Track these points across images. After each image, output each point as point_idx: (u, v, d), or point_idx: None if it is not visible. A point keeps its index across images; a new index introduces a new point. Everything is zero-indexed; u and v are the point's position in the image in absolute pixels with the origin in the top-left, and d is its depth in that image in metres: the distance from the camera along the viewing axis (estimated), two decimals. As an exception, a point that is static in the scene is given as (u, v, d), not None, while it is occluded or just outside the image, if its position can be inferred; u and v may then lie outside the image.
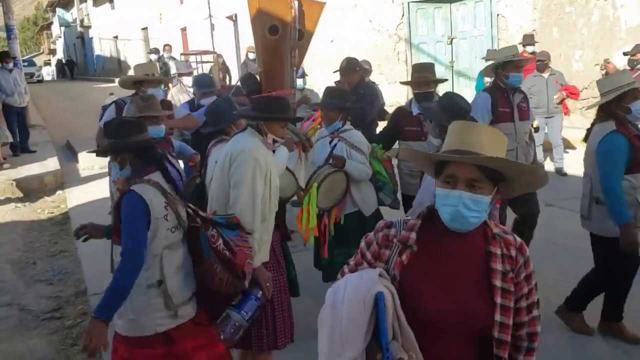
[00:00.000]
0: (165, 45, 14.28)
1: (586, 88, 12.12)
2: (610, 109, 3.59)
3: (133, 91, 5.15)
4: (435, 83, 4.49)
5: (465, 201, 1.66)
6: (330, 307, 1.71)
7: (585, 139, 3.88)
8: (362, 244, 1.89)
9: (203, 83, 5.90)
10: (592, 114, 13.26)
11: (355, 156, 4.11)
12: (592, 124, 3.82)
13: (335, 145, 4.14)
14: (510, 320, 1.72)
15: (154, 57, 13.47)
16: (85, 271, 5.51)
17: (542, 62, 8.10)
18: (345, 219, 4.15)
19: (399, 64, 12.25)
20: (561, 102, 8.08)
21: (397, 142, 4.63)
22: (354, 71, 5.58)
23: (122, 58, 32.12)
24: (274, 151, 3.31)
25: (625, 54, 7.68)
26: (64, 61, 41.91)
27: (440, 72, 12.32)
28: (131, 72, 5.83)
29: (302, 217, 3.97)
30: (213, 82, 6.12)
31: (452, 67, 12.02)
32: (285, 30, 5.23)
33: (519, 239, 1.81)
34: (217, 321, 2.83)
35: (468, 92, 10.26)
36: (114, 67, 32.75)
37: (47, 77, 40.07)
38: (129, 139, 2.68)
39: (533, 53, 10.00)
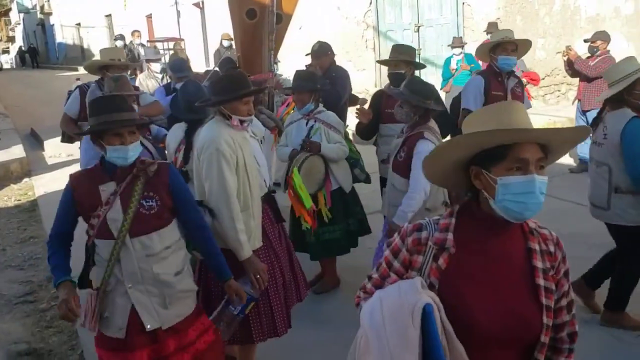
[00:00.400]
0: (134, 32, 14.02)
1: (548, 75, 12.48)
2: (623, 97, 3.53)
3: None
4: (407, 65, 4.45)
5: (540, 186, 1.49)
6: (370, 330, 1.53)
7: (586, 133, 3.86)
8: (387, 253, 1.69)
9: (178, 67, 5.91)
10: (553, 100, 13.58)
11: (332, 136, 4.23)
12: (599, 115, 3.75)
13: (312, 126, 4.22)
14: (551, 321, 1.59)
15: (120, 43, 13.21)
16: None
17: None
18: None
19: (367, 51, 12.35)
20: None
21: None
22: (325, 54, 5.66)
23: (85, 46, 31.41)
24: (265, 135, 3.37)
25: (585, 40, 7.91)
26: (24, 49, 40.73)
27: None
28: (97, 58, 5.72)
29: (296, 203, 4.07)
30: (189, 66, 6.13)
31: (419, 54, 12.17)
32: (263, 13, 5.24)
33: (554, 233, 1.67)
34: (210, 317, 2.81)
35: (434, 79, 10.42)
36: (77, 55, 32.00)
37: (6, 66, 38.96)
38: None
39: (497, 41, 10.27)
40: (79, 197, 2.45)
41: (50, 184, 8.14)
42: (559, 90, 12.66)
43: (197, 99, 3.45)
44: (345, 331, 3.80)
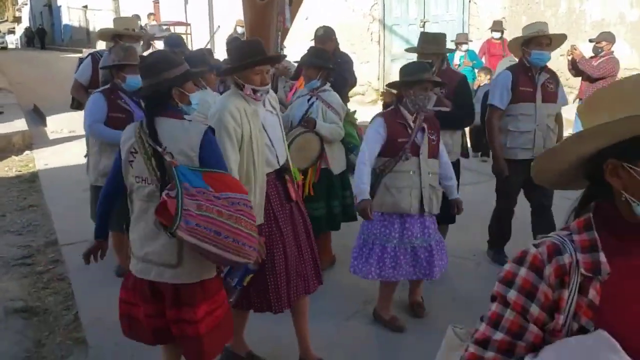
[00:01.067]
0: (149, 14, 14.08)
1: (550, 77, 12.60)
2: None
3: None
4: (436, 56, 4.27)
5: None
6: None
7: None
8: (513, 295, 1.19)
9: (173, 42, 5.94)
10: None
11: (329, 115, 4.23)
12: None
13: (313, 103, 4.24)
14: None
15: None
16: (55, 223, 5.56)
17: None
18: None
19: (372, 44, 12.42)
20: None
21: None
22: (330, 39, 5.72)
23: (91, 28, 31.39)
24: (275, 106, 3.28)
25: (590, 40, 7.97)
26: (33, 29, 40.61)
27: (412, 55, 12.57)
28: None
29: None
30: (184, 42, 6.14)
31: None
32: (274, -6, 5.24)
33: None
34: None
35: (438, 74, 10.51)
36: (83, 37, 32.01)
37: (10, 46, 38.88)
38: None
39: (500, 39, 10.34)
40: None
41: (51, 157, 8.21)
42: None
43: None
44: (339, 303, 3.93)
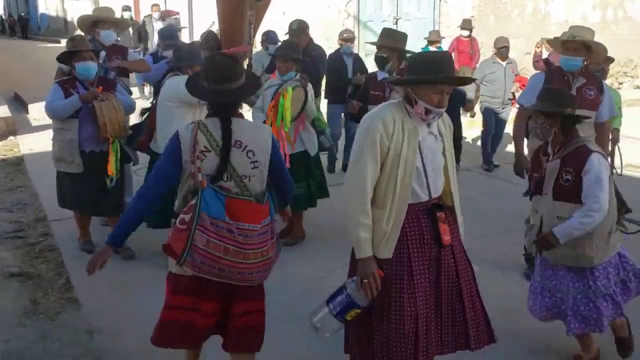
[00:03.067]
0: (153, 5, 13.33)
1: (517, 74, 13.16)
2: None
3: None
4: (390, 50, 4.68)
5: None
6: None
7: None
8: None
9: (167, 35, 6.11)
10: None
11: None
12: None
13: (280, 85, 4.69)
14: None
15: (127, 14, 12.99)
16: (43, 202, 5.91)
17: (505, 48, 7.75)
18: (292, 157, 4.69)
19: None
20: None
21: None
22: (304, 33, 6.15)
23: (68, 18, 31.26)
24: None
25: (555, 38, 8.39)
26: (4, 17, 39.94)
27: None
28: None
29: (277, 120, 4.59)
30: (177, 35, 6.30)
31: (396, 46, 12.78)
32: (247, -13, 5.50)
33: None
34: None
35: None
36: (60, 27, 31.83)
37: (-16, 34, 38.36)
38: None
39: (468, 37, 10.86)
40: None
41: (35, 143, 8.48)
42: (525, 89, 13.35)
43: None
44: (308, 272, 4.39)
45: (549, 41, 4.52)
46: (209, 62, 2.75)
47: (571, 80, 4.14)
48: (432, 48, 10.06)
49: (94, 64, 4.46)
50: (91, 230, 4.90)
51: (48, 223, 5.39)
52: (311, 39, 6.48)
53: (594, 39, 4.15)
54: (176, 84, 4.20)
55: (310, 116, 4.85)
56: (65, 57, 4.47)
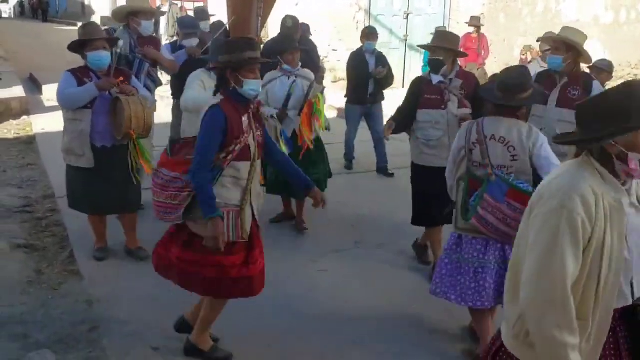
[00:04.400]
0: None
1: (525, 73, 13.24)
2: None
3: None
4: (446, 52, 4.27)
5: None
6: None
7: None
8: None
9: (187, 24, 6.05)
10: None
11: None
12: None
13: (294, 81, 4.89)
14: None
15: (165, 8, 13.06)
16: (52, 179, 6.14)
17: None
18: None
19: (357, 33, 12.92)
20: None
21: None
22: (298, 29, 6.27)
23: (86, 2, 31.60)
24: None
25: (538, 40, 8.42)
26: (33, 0, 40.13)
27: (395, 44, 13.18)
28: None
29: (312, 122, 4.83)
30: (197, 24, 6.18)
31: (406, 41, 12.86)
32: (254, -22, 5.62)
33: None
34: None
35: (419, 66, 11.15)
36: (77, 10, 32.18)
37: (4, 15, 38.79)
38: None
39: (477, 34, 10.95)
40: (230, 125, 2.92)
41: (47, 123, 8.72)
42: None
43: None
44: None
45: (541, 39, 4.65)
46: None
47: (557, 79, 4.20)
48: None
49: (106, 53, 4.15)
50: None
51: (55, 200, 5.61)
52: (303, 35, 6.67)
53: (584, 44, 4.14)
54: (197, 97, 4.36)
55: None
56: (77, 46, 4.15)
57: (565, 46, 4.11)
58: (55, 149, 7.14)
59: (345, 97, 7.16)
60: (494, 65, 11.11)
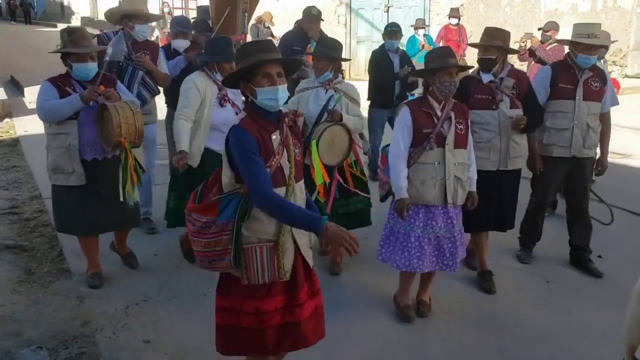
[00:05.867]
0: (164, 2, 13.25)
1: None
2: None
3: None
4: (498, 51, 3.98)
5: None
6: None
7: None
8: None
9: (179, 22, 5.66)
10: None
11: (352, 108, 4.14)
12: None
13: (332, 96, 4.12)
14: None
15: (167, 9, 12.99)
16: (38, 181, 6.15)
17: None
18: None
19: (339, 27, 13.09)
20: None
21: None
22: (320, 19, 5.99)
23: (65, 2, 31.31)
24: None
25: (539, 29, 8.64)
26: (11, 2, 39.30)
27: (376, 38, 13.26)
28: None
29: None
30: (189, 24, 5.72)
31: (388, 33, 12.99)
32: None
33: None
34: None
35: (399, 57, 11.20)
36: (57, 11, 31.87)
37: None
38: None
39: (456, 25, 11.06)
40: (259, 147, 2.40)
41: (30, 125, 8.69)
42: (514, 77, 13.59)
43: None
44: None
45: (567, 41, 4.36)
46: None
47: (577, 73, 4.23)
48: (418, 34, 10.28)
49: (94, 64, 3.82)
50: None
51: (42, 200, 5.63)
52: (321, 30, 6.24)
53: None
54: (179, 131, 4.01)
55: (358, 132, 4.26)
56: (61, 54, 3.80)
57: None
58: (40, 150, 7.11)
59: (367, 99, 6.49)
60: (474, 56, 11.25)
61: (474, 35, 12.35)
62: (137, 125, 3.76)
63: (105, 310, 3.72)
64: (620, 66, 14.30)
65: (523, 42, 9.90)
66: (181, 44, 5.29)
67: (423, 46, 10.10)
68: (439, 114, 3.46)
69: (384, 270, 3.99)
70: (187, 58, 5.04)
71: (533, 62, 8.25)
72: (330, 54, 4.14)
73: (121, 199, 3.84)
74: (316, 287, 2.67)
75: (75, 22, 27.43)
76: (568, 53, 4.34)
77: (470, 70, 4.20)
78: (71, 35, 3.75)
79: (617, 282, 4.19)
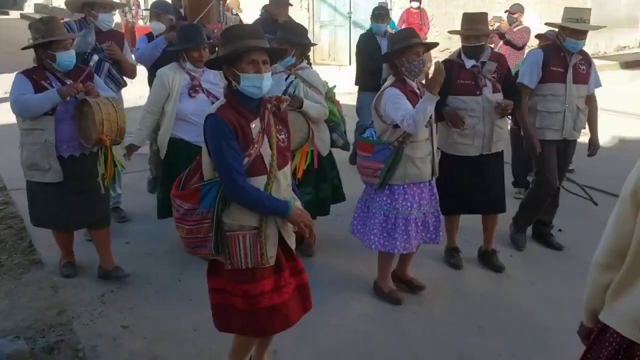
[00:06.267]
0: None
1: (466, 45, 13.61)
2: None
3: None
4: (484, 37, 3.97)
5: None
6: None
7: None
8: None
9: (158, 5, 5.49)
10: None
11: (312, 96, 4.07)
12: None
13: (291, 82, 4.09)
14: None
15: None
16: (2, 172, 6.04)
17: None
18: None
19: (302, 11, 13.06)
20: None
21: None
22: (288, 5, 5.95)
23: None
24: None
25: (505, 11, 8.80)
26: None
27: (339, 22, 13.32)
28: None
29: None
30: (169, 7, 5.63)
31: (350, 17, 13.03)
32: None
33: None
34: None
35: (362, 41, 11.26)
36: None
37: None
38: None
39: (418, 9, 11.18)
40: (236, 135, 2.40)
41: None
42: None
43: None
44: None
45: (557, 25, 4.36)
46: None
47: (567, 57, 4.25)
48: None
49: (73, 52, 3.72)
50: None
51: (8, 192, 5.55)
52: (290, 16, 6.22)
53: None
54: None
55: (321, 120, 4.19)
56: (40, 45, 3.58)
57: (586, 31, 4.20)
58: (3, 140, 7.07)
59: (355, 84, 6.54)
60: (436, 39, 11.39)
61: (435, 18, 12.52)
62: (119, 123, 3.66)
63: (81, 299, 3.74)
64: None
65: (491, 25, 10.08)
66: (157, 26, 5.23)
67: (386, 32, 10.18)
68: (419, 92, 3.49)
69: (356, 250, 4.15)
70: (167, 38, 4.96)
71: (500, 45, 8.44)
72: (291, 39, 4.08)
73: (102, 191, 3.81)
74: (299, 267, 2.72)
75: (29, 9, 26.54)
76: (557, 36, 4.36)
77: (449, 54, 4.19)
78: (48, 24, 3.59)
79: (576, 254, 4.40)
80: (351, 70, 12.34)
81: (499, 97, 3.97)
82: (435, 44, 3.77)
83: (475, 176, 3.99)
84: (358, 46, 6.43)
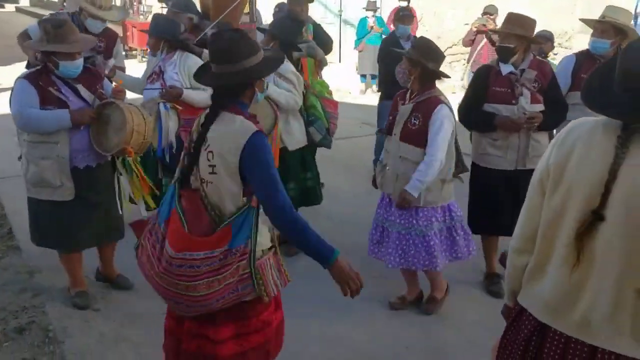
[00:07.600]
0: None
1: (456, 44, 13.70)
2: None
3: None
4: (519, 40, 3.64)
5: None
6: None
7: None
8: None
9: (179, 3, 5.35)
10: (459, 67, 14.52)
11: (281, 85, 4.03)
12: None
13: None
14: None
15: None
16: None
17: None
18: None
19: (292, 9, 13.18)
20: None
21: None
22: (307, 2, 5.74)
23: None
24: None
25: (483, 13, 8.90)
26: None
27: (330, 19, 13.41)
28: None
29: None
30: (192, 6, 5.54)
31: (341, 15, 13.15)
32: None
33: None
34: None
35: (353, 40, 11.40)
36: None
37: None
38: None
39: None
40: None
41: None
42: (464, 59, 13.94)
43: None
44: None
45: (583, 20, 4.25)
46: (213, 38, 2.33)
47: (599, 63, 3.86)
48: (368, 16, 10.47)
49: (81, 60, 3.33)
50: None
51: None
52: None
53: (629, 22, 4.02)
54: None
55: (291, 108, 4.12)
56: (45, 50, 3.26)
57: (613, 29, 3.88)
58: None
59: (378, 91, 6.12)
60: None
61: (424, 17, 12.64)
62: (146, 137, 3.35)
63: (56, 284, 3.85)
64: (566, 48, 14.81)
65: (476, 27, 10.18)
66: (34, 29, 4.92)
67: (372, 28, 10.31)
68: (404, 102, 3.47)
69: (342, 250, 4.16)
70: (185, 39, 4.75)
71: (480, 45, 8.53)
72: (273, 32, 4.20)
73: (120, 212, 3.55)
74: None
75: (24, 2, 26.58)
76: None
77: (490, 60, 4.02)
78: (58, 29, 3.20)
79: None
80: (342, 68, 12.50)
81: (539, 108, 3.64)
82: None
83: (508, 193, 3.69)
84: (381, 50, 5.87)
